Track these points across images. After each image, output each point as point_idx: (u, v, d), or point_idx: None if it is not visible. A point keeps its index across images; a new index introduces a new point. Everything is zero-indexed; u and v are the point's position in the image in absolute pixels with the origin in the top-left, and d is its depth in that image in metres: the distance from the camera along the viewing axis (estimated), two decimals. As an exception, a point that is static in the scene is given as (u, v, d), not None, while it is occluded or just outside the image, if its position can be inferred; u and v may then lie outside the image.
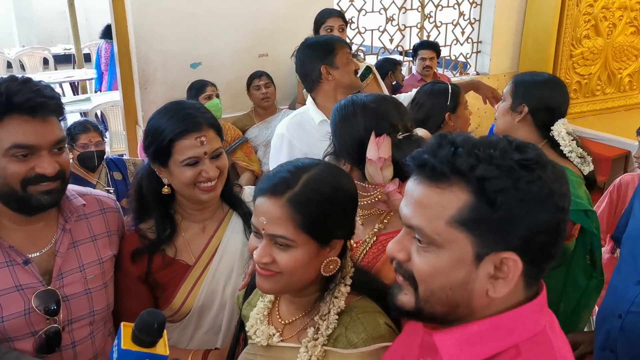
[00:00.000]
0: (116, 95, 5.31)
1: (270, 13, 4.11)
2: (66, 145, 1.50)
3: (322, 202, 1.19)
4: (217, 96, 3.74)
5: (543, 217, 0.85)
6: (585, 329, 2.25)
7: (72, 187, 1.61)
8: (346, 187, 1.25)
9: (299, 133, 2.57)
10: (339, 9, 4.25)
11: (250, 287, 1.47)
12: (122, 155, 4.63)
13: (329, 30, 3.66)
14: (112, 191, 3.18)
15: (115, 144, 5.59)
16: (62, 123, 1.49)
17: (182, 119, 1.58)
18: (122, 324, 1.14)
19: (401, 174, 1.47)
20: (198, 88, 3.66)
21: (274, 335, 1.30)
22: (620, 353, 1.72)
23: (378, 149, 1.46)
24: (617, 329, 1.71)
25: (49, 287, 1.50)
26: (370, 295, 1.29)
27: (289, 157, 2.65)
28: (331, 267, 1.23)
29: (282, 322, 1.32)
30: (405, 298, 0.94)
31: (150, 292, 1.68)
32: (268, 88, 3.93)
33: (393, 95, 2.62)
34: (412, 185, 0.92)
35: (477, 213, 0.84)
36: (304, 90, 3.70)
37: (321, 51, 2.53)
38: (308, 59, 2.56)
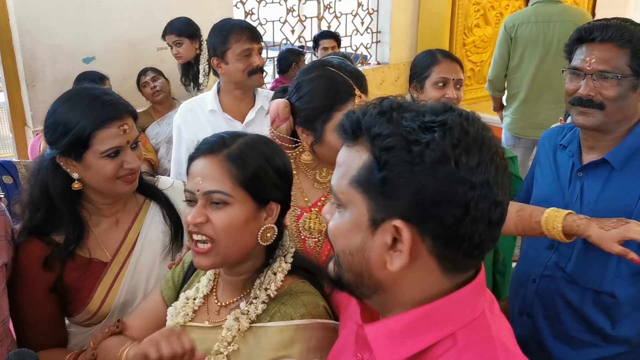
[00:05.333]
0: (-1, 97, 4.88)
1: (165, 5, 3.93)
2: None
3: (258, 159, 1.20)
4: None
5: (432, 184, 0.76)
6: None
7: None
8: (280, 154, 1.27)
9: (188, 120, 2.44)
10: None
11: (192, 271, 1.40)
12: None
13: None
14: (2, 196, 2.90)
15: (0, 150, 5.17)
16: None
17: (102, 106, 1.46)
18: None
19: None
20: (94, 81, 3.26)
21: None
22: (537, 316, 1.78)
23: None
24: (532, 293, 1.77)
25: None
26: (311, 281, 1.28)
27: (178, 147, 2.49)
28: (268, 235, 1.22)
29: (219, 303, 1.28)
30: (331, 265, 0.91)
31: (59, 300, 1.55)
32: (157, 81, 3.63)
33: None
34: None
35: (367, 173, 0.81)
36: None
37: (216, 40, 2.37)
38: (209, 44, 2.42)
